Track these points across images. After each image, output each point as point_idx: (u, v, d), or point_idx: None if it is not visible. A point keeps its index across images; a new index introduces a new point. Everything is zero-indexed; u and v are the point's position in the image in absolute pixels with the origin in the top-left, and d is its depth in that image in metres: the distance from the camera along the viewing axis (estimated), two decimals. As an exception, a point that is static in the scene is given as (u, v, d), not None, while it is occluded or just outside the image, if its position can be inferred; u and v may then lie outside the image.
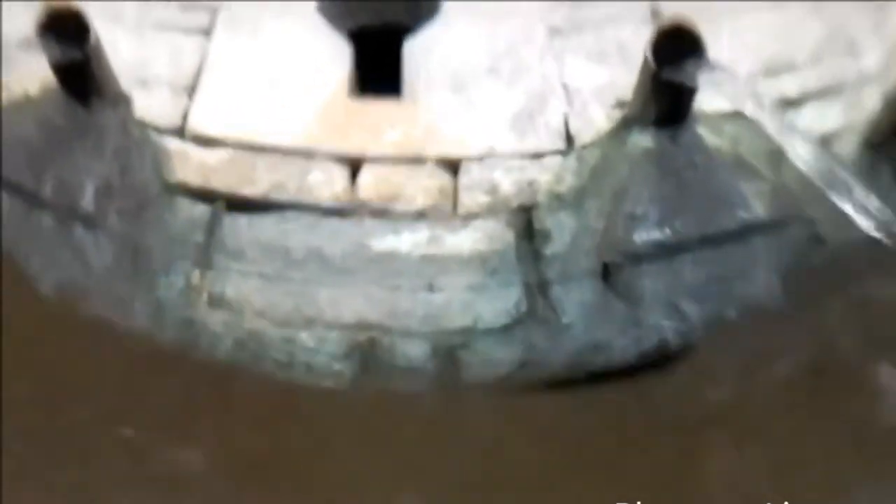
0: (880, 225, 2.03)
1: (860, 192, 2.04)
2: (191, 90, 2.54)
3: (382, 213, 2.38)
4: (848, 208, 2.05)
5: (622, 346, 2.33)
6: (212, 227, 2.40)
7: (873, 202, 2.04)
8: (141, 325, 2.36)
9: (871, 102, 2.49)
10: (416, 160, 2.43)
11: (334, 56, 2.60)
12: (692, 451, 2.25)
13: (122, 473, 2.22)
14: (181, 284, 2.37)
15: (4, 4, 2.61)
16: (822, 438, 2.23)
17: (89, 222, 2.39)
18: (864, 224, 2.03)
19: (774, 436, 2.23)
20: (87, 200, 2.37)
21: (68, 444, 2.25)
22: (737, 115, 2.30)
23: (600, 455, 2.26)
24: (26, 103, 2.44)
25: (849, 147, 2.47)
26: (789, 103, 2.47)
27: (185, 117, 2.50)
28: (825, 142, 2.39)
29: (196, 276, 2.37)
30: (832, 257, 2.34)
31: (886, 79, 2.50)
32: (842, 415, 2.25)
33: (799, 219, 2.36)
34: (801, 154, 2.12)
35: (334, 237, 2.37)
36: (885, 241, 2.02)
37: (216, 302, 2.35)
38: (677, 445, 2.26)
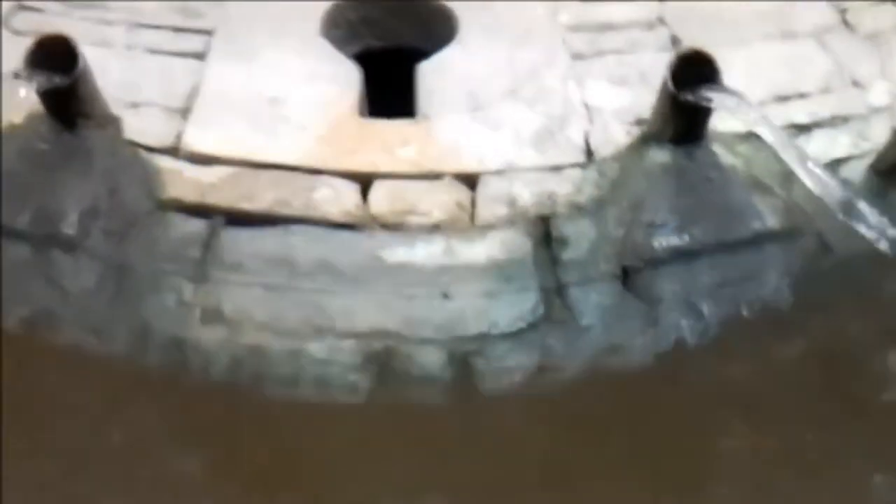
0: (886, 237, 2.08)
1: (866, 209, 2.09)
2: (185, 111, 2.46)
3: (395, 227, 2.26)
4: (855, 223, 2.09)
5: (640, 346, 2.23)
6: (208, 242, 2.24)
7: (878, 217, 2.09)
8: (121, 349, 2.16)
9: (878, 133, 2.53)
10: (433, 175, 2.34)
11: (342, 78, 2.54)
12: (707, 431, 2.17)
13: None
14: (172, 302, 2.18)
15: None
16: (831, 419, 2.18)
17: (70, 246, 2.24)
18: (870, 235, 2.08)
19: (786, 416, 2.17)
20: (70, 224, 2.24)
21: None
22: (750, 137, 2.35)
23: (620, 443, 2.13)
24: (10, 134, 2.34)
25: (857, 172, 2.49)
26: (800, 129, 2.53)
27: (178, 137, 2.40)
28: (834, 167, 2.44)
29: (189, 291, 2.18)
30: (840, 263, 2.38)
31: (891, 111, 2.57)
32: (851, 397, 2.20)
33: (809, 230, 2.38)
34: (808, 174, 2.16)
35: (345, 249, 2.22)
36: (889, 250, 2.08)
37: (211, 317, 2.15)
38: (693, 425, 2.16)
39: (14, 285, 2.21)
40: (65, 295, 2.21)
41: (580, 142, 2.42)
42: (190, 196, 2.29)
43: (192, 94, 2.48)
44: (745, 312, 2.30)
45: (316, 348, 2.11)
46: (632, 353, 2.22)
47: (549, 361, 2.19)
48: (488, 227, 2.28)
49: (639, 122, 2.45)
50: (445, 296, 2.20)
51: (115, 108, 2.39)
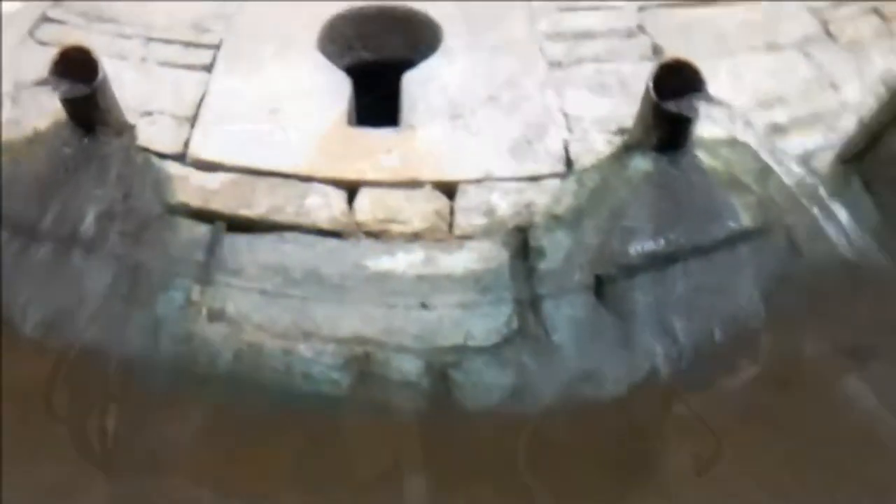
0: (849, 237, 2.15)
1: (834, 206, 2.16)
2: (192, 120, 2.62)
3: (378, 234, 2.39)
4: (822, 221, 2.16)
5: (614, 375, 2.28)
6: (212, 247, 2.41)
7: (844, 216, 2.16)
8: (135, 346, 2.33)
9: (847, 126, 2.59)
10: (413, 184, 2.45)
11: (333, 89, 2.67)
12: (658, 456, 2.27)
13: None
14: (181, 300, 2.36)
15: (21, 49, 2.76)
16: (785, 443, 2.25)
17: (88, 246, 2.40)
18: (835, 236, 2.15)
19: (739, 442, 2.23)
20: (88, 225, 2.40)
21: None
22: (732, 141, 2.37)
23: (595, 453, 2.24)
24: (36, 139, 2.51)
25: (826, 163, 2.54)
26: (779, 130, 2.58)
27: (186, 144, 2.56)
28: (806, 158, 2.49)
29: (196, 292, 2.36)
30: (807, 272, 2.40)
31: (862, 107, 2.62)
32: (807, 422, 2.26)
33: (779, 227, 2.41)
34: (785, 171, 2.23)
35: (331, 258, 2.37)
36: (852, 253, 2.14)
37: (216, 316, 2.33)
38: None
39: (34, 287, 2.40)
40: (83, 294, 2.38)
41: (559, 151, 2.49)
42: (195, 201, 2.45)
43: (199, 104, 2.64)
44: (716, 335, 2.32)
45: (303, 348, 2.27)
46: (605, 382, 2.28)
47: (524, 384, 2.26)
48: (466, 238, 2.37)
49: (620, 130, 2.49)
50: (424, 305, 2.30)
51: (130, 117, 2.54)
